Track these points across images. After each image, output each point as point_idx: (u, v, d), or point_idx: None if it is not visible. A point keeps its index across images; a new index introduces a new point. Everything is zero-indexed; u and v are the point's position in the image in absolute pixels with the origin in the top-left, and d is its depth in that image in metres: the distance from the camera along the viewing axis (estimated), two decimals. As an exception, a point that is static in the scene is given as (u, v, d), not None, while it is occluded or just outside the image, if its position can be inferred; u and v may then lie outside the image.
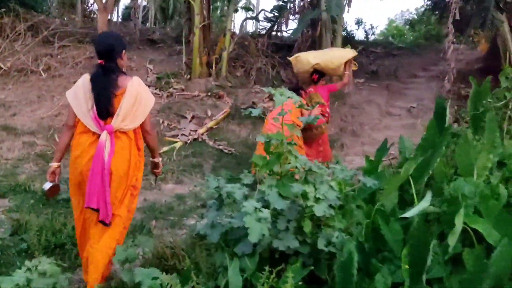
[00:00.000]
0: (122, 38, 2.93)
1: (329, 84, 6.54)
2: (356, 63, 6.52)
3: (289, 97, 2.71)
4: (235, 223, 2.43)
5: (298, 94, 4.76)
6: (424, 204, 2.34)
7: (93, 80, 2.67)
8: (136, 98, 2.69)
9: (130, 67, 9.83)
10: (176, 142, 7.32)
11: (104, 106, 2.64)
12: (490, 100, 3.92)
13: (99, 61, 2.69)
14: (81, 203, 2.75)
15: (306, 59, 5.89)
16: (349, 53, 6.11)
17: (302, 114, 4.90)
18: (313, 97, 5.62)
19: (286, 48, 10.94)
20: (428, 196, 2.40)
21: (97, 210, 2.63)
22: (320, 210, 2.28)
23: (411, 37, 20.52)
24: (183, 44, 9.98)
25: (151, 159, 3.10)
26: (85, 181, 2.64)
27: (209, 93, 9.04)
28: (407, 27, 23.42)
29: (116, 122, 2.66)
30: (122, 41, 2.84)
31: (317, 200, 2.35)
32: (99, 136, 2.64)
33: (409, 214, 2.31)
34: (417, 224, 2.13)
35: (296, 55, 6.22)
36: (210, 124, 7.94)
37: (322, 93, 5.80)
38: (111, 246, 2.73)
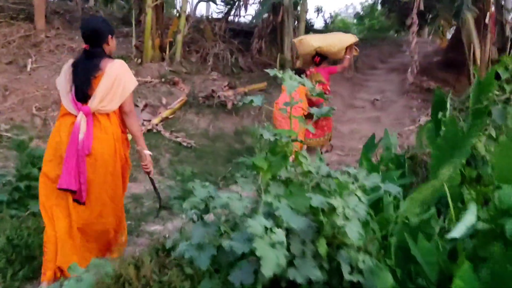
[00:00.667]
0: (108, 22, 2.83)
1: (330, 66, 6.78)
2: (357, 49, 6.96)
3: (299, 82, 2.13)
4: (237, 248, 1.82)
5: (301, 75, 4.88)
6: (470, 218, 1.87)
7: (75, 64, 2.69)
8: (115, 79, 2.62)
9: (72, 48, 8.81)
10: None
11: (81, 88, 2.63)
12: (497, 93, 3.54)
13: (85, 45, 2.68)
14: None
15: (309, 42, 6.29)
16: (351, 38, 6.52)
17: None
18: (315, 76, 6.05)
19: (243, 33, 10.32)
20: (473, 208, 1.93)
21: (70, 191, 2.59)
22: (353, 232, 1.73)
23: (356, 31, 20.58)
24: (133, 25, 9.09)
25: (138, 152, 2.98)
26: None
27: (163, 79, 8.25)
28: (355, 20, 23.52)
29: (93, 103, 2.62)
30: (109, 26, 2.78)
31: (345, 217, 1.80)
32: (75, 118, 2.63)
33: (457, 233, 1.82)
34: (496, 249, 1.62)
35: (300, 37, 6.68)
36: (165, 113, 7.19)
37: (323, 74, 6.22)
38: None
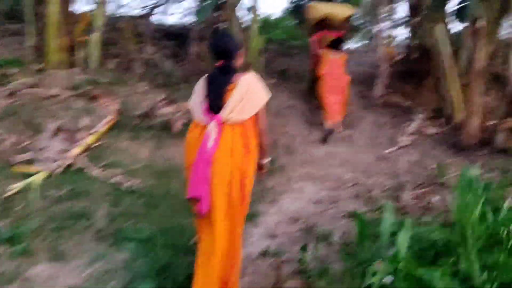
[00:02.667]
0: (237, 39, 3.05)
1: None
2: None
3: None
4: None
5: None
6: None
7: (210, 78, 2.76)
8: (246, 92, 2.66)
9: None
10: (35, 173, 4.39)
11: (215, 99, 2.67)
12: None
13: (219, 62, 2.74)
14: None
15: (320, 7, 7.31)
16: (350, 10, 7.67)
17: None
18: (326, 37, 7.19)
19: (176, 35, 8.48)
20: None
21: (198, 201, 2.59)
22: None
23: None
24: (28, 21, 6.77)
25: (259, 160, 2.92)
26: None
27: (77, 92, 6.10)
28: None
29: (224, 113, 2.65)
30: (238, 42, 2.89)
31: None
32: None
33: None
34: None
35: (313, 3, 7.53)
36: (88, 140, 5.12)
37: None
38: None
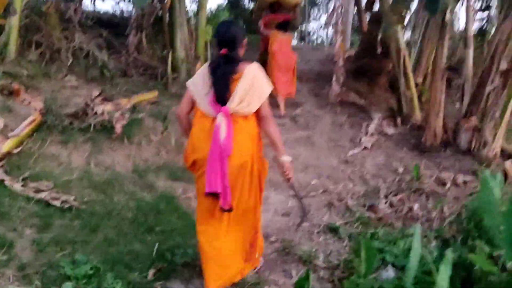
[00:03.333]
0: (242, 27, 2.97)
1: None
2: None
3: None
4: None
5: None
6: None
7: (213, 68, 2.63)
8: (253, 82, 2.59)
9: None
10: None
11: (222, 90, 2.58)
12: None
13: (222, 50, 2.62)
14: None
15: None
16: None
17: None
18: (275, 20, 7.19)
19: (111, 24, 7.47)
20: None
21: (217, 196, 2.55)
22: None
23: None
24: None
25: (276, 159, 2.85)
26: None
27: (-10, 86, 5.00)
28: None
29: (231, 104, 2.57)
30: (243, 30, 2.84)
31: None
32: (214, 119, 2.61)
33: None
34: None
35: None
36: (6, 146, 4.10)
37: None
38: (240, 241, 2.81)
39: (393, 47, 7.07)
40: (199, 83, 2.67)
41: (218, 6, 18.64)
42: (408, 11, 6.91)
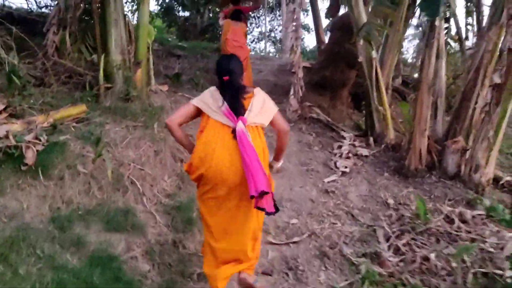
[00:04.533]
0: (241, 62, 3.04)
1: None
2: None
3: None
4: None
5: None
6: None
7: (222, 87, 2.82)
8: (264, 100, 2.85)
9: None
10: None
11: (235, 104, 2.73)
12: None
13: (225, 77, 2.81)
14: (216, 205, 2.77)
15: None
16: None
17: None
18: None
19: (19, 21, 5.94)
20: None
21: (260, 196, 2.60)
22: None
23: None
24: None
25: (271, 162, 3.10)
26: (224, 177, 2.66)
27: None
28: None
29: (249, 116, 2.74)
30: (242, 65, 3.02)
31: None
32: (231, 130, 2.68)
33: None
34: None
35: None
36: None
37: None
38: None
39: (363, 57, 6.27)
40: (209, 100, 2.79)
41: (151, 13, 17.27)
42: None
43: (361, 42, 6.14)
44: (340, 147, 5.82)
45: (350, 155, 5.63)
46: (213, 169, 2.64)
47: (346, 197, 4.58)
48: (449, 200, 4.70)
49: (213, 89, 2.84)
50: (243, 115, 2.69)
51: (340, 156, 5.54)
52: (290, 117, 6.38)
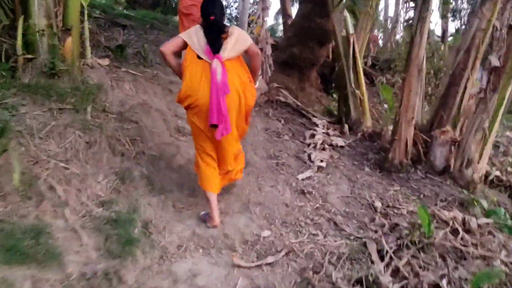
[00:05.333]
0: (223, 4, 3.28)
1: None
2: None
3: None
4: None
5: None
6: None
7: (206, 29, 3.13)
8: (237, 38, 3.14)
9: None
10: None
11: (215, 45, 3.08)
12: None
13: (211, 17, 3.09)
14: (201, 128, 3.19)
15: None
16: None
17: None
18: None
19: None
20: None
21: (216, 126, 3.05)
22: None
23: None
24: None
25: None
26: (208, 106, 3.06)
27: None
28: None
29: (224, 54, 3.07)
30: (223, 7, 3.27)
31: None
32: (208, 64, 3.07)
33: None
34: None
35: None
36: None
37: None
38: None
39: (338, 33, 5.47)
40: (194, 37, 3.12)
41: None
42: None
43: (338, 14, 5.35)
44: (313, 136, 5.03)
45: (325, 145, 4.87)
46: (200, 101, 3.07)
47: (325, 199, 3.81)
48: (441, 200, 4.05)
49: (198, 27, 3.15)
50: (219, 53, 3.05)
51: (314, 147, 4.76)
52: (257, 100, 5.51)
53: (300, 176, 4.16)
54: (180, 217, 3.28)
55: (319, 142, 4.86)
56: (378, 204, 3.83)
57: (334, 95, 7.04)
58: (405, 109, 4.52)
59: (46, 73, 3.99)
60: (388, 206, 3.84)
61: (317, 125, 5.31)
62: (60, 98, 3.75)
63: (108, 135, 3.62)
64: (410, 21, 5.65)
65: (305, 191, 3.87)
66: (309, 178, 4.16)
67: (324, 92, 7.16)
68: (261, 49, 5.54)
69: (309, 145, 4.84)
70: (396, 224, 3.36)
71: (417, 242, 3.08)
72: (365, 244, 3.17)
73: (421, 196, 4.12)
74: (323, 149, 4.77)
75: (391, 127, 5.88)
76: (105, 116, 3.89)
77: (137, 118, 4.15)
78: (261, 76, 5.38)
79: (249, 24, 6.94)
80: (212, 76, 2.99)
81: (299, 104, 5.80)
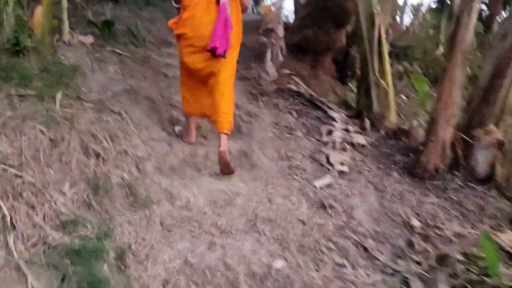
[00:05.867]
0: None
1: None
2: None
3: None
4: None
5: None
6: None
7: None
8: None
9: None
10: None
11: None
12: None
13: None
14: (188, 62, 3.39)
15: None
16: None
17: None
18: None
19: None
20: None
21: (214, 53, 3.19)
22: None
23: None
24: None
25: None
26: (202, 33, 3.25)
27: None
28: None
29: None
30: None
31: None
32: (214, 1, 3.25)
33: None
34: None
35: None
36: None
37: None
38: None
39: (362, 12, 4.68)
40: None
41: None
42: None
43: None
44: (330, 132, 4.28)
45: (345, 144, 4.12)
46: (195, 31, 3.23)
47: (350, 215, 3.08)
48: (489, 217, 3.32)
49: None
50: None
51: (333, 147, 4.01)
52: (266, 89, 4.75)
53: (318, 183, 3.42)
54: (169, 238, 2.55)
55: (338, 140, 4.11)
56: (414, 222, 3.11)
57: (350, 84, 6.27)
58: (445, 105, 3.76)
59: (8, 50, 3.23)
60: (427, 225, 3.12)
61: (334, 120, 4.55)
62: (23, 81, 2.99)
63: (80, 130, 2.87)
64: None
65: (325, 203, 3.13)
66: (328, 186, 3.42)
67: (339, 80, 6.38)
68: (271, 30, 4.77)
69: (326, 143, 4.09)
70: (446, 255, 2.63)
71: (476, 282, 2.36)
72: (407, 282, 2.46)
73: (464, 211, 3.39)
74: (343, 149, 4.02)
75: (414, 122, 5.18)
76: (79, 105, 3.14)
77: (121, 107, 3.39)
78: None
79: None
80: (221, 11, 3.15)
81: (313, 94, 5.03)
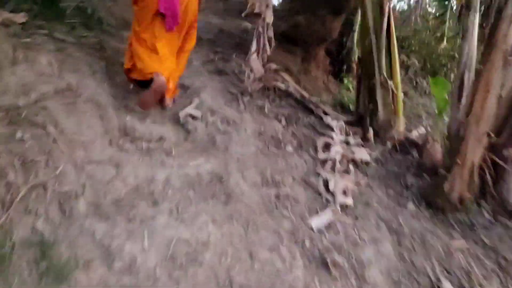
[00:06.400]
0: None
1: None
2: None
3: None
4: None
5: None
6: None
7: None
8: None
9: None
10: None
11: None
12: None
13: None
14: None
15: None
16: None
17: None
18: None
19: None
20: None
21: (164, 16, 3.08)
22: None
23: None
24: None
25: None
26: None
27: None
28: None
29: None
30: None
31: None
32: None
33: None
34: None
35: None
36: None
37: None
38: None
39: (363, 12, 3.81)
40: None
41: None
42: None
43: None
44: (328, 146, 3.43)
45: (346, 163, 3.28)
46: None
47: (362, 278, 2.24)
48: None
49: None
50: None
51: (332, 167, 3.16)
52: (250, 87, 3.84)
53: (315, 223, 2.57)
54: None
55: (338, 158, 3.26)
56: (447, 285, 2.30)
57: (346, 81, 5.42)
58: (477, 119, 2.94)
59: None
60: (457, 285, 2.32)
61: (331, 128, 3.70)
62: None
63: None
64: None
65: (327, 259, 2.29)
66: (329, 227, 2.58)
67: (332, 76, 5.53)
68: (259, 15, 3.86)
69: (324, 162, 3.23)
70: None
71: None
72: None
73: (502, 261, 2.61)
74: (345, 170, 3.18)
75: (419, 130, 4.45)
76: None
77: (46, 117, 2.44)
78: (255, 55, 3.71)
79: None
80: None
81: (304, 94, 4.15)
